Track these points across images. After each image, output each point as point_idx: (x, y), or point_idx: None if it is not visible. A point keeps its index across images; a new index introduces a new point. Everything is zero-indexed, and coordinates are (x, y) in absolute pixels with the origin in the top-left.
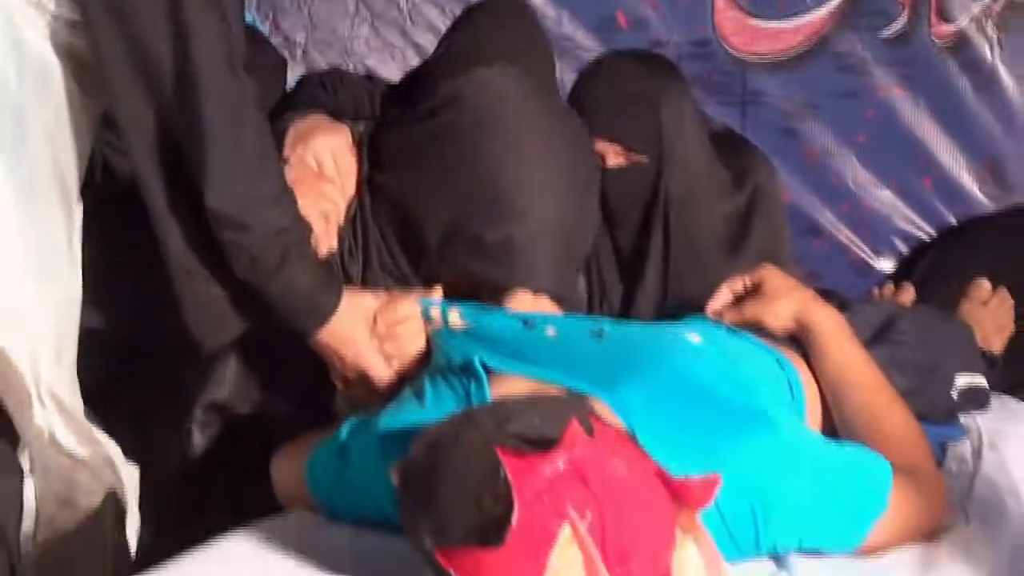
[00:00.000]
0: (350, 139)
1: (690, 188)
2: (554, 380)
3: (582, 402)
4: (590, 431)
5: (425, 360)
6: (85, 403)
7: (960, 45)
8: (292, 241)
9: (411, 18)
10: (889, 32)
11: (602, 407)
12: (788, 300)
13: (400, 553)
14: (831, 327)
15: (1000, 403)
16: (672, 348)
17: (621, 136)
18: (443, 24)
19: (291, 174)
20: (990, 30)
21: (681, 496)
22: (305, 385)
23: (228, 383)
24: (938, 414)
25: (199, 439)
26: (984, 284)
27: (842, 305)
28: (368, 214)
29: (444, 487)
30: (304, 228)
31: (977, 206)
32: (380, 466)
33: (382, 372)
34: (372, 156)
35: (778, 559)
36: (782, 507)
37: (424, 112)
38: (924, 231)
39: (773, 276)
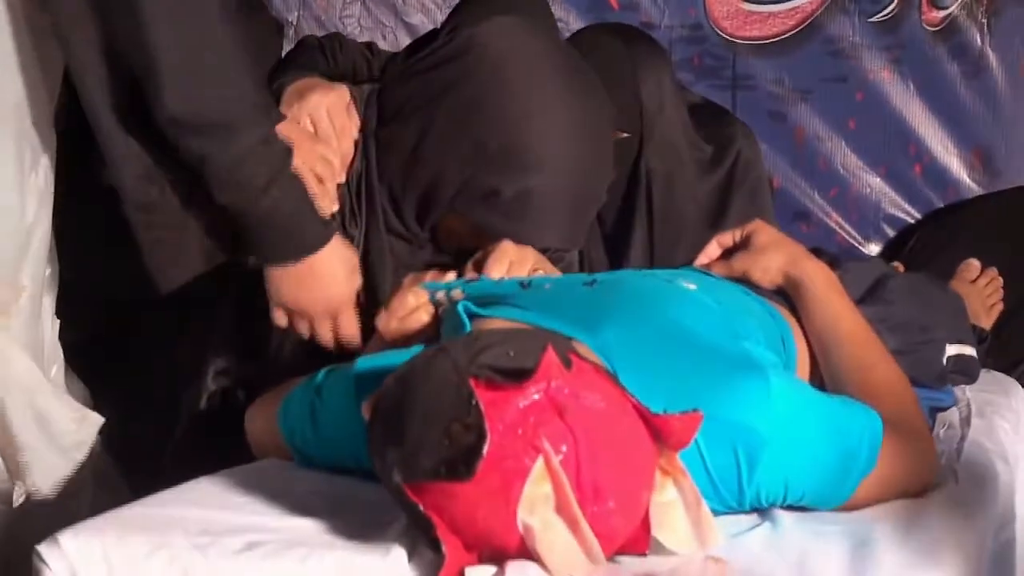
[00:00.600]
0: (348, 98)
1: (671, 163)
2: (536, 323)
3: (560, 337)
4: (568, 364)
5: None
6: (72, 357)
7: (950, 31)
8: (281, 158)
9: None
10: (880, 16)
11: (583, 348)
12: (777, 253)
13: (371, 501)
14: (820, 281)
15: (988, 376)
16: (663, 292)
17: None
18: (434, 5)
19: (283, 132)
20: (980, 16)
21: (662, 433)
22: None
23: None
24: (928, 377)
25: (204, 403)
26: (973, 263)
27: (832, 263)
28: (374, 174)
29: (414, 419)
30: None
31: (966, 192)
32: (353, 406)
33: (353, 327)
34: (380, 110)
35: (761, 513)
36: (768, 454)
37: (440, 59)
38: (913, 217)
39: (762, 230)
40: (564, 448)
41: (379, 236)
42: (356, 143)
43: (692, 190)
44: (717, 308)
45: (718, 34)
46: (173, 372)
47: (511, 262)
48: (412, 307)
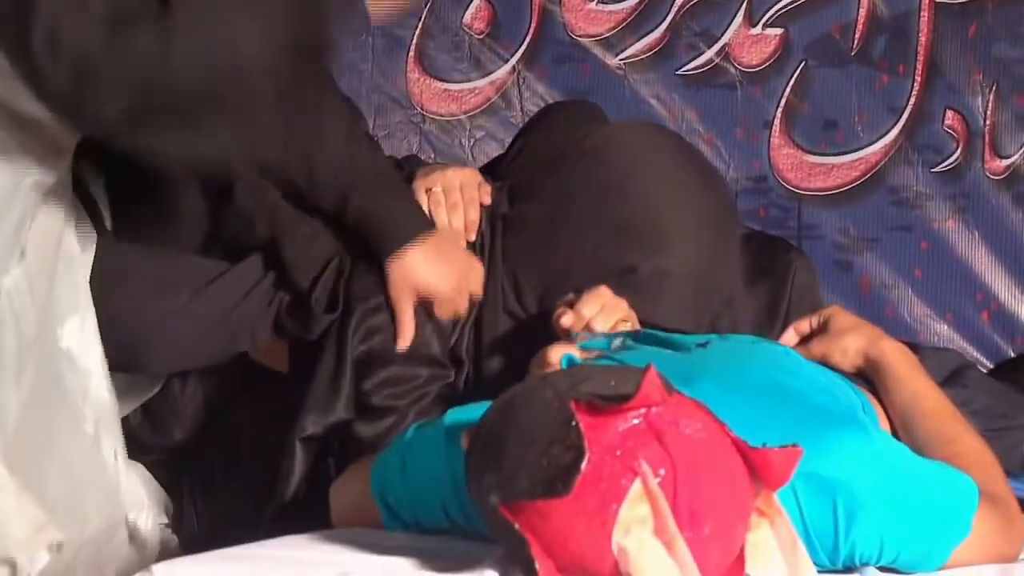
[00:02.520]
0: (479, 177)
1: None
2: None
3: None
4: (669, 391)
5: None
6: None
7: (1013, 179)
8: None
9: (472, 154)
10: (943, 167)
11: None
12: (857, 336)
13: (462, 550)
14: (901, 359)
15: None
16: (762, 349)
17: None
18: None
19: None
20: None
21: (759, 468)
22: None
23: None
24: (1011, 463)
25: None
26: None
27: (912, 348)
28: (498, 254)
29: (513, 441)
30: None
31: None
32: (442, 453)
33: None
34: (511, 195)
35: (853, 571)
36: (868, 510)
37: (576, 153)
38: (982, 365)
39: (839, 314)
40: (662, 471)
41: (495, 315)
42: (481, 218)
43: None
44: (810, 367)
45: (783, 185)
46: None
47: (603, 304)
48: (549, 364)
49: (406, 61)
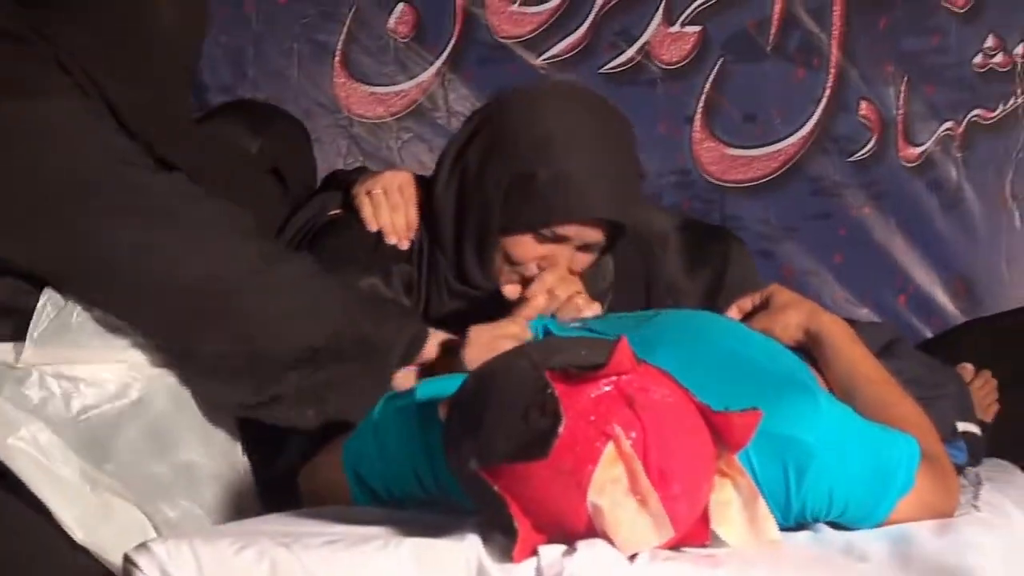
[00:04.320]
0: (414, 180)
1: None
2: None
3: None
4: (637, 360)
5: None
6: None
7: (927, 166)
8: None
9: (400, 156)
10: (858, 156)
11: None
12: (797, 311)
13: (436, 519)
14: (839, 331)
15: (990, 461)
16: (719, 322)
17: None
18: (430, 160)
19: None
20: (954, 151)
21: (721, 430)
22: None
23: None
24: (942, 430)
25: None
26: (967, 366)
27: (848, 322)
28: (436, 248)
29: (492, 408)
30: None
31: (951, 320)
32: (414, 422)
33: None
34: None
35: (805, 527)
36: (817, 463)
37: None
38: None
39: (780, 291)
40: (633, 434)
41: (441, 303)
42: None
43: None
44: (761, 338)
45: (705, 179)
46: None
47: (561, 277)
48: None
49: (332, 66)
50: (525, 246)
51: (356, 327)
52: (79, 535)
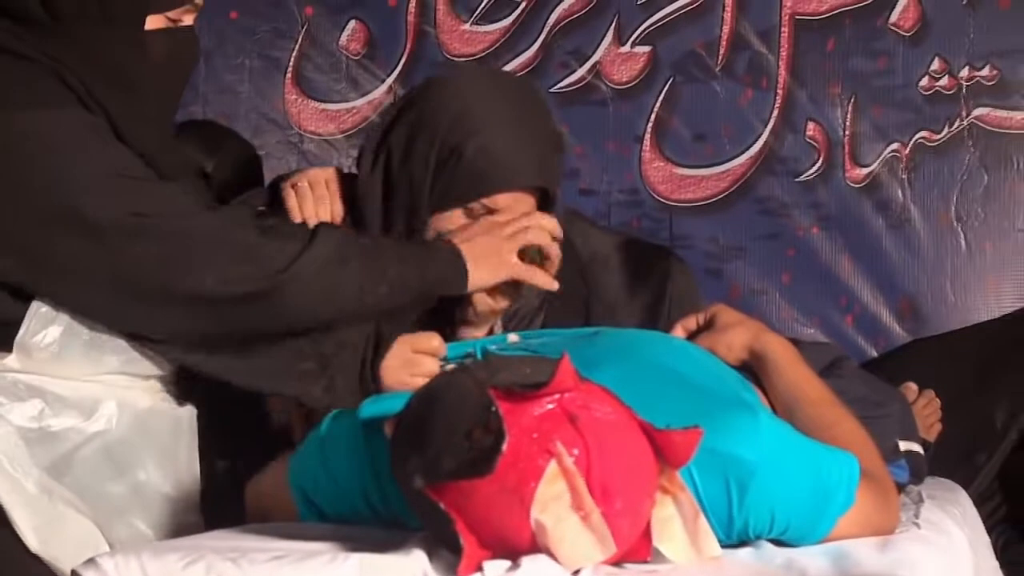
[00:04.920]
0: (337, 175)
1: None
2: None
3: None
4: (580, 378)
5: None
6: None
7: (873, 187)
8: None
9: None
10: (805, 176)
11: None
12: (740, 330)
13: (383, 536)
14: (783, 351)
15: (932, 480)
16: (660, 341)
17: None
18: None
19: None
20: (900, 172)
21: (663, 448)
22: None
23: None
24: (884, 449)
25: None
26: (911, 385)
27: (792, 342)
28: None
29: (436, 427)
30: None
31: (896, 340)
32: (360, 440)
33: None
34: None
35: (746, 544)
36: (758, 480)
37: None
38: None
39: (724, 311)
40: (576, 451)
41: None
42: (346, 211)
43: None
44: (702, 355)
45: (654, 198)
46: None
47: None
48: (433, 349)
49: (284, 83)
50: (455, 224)
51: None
52: (33, 544)
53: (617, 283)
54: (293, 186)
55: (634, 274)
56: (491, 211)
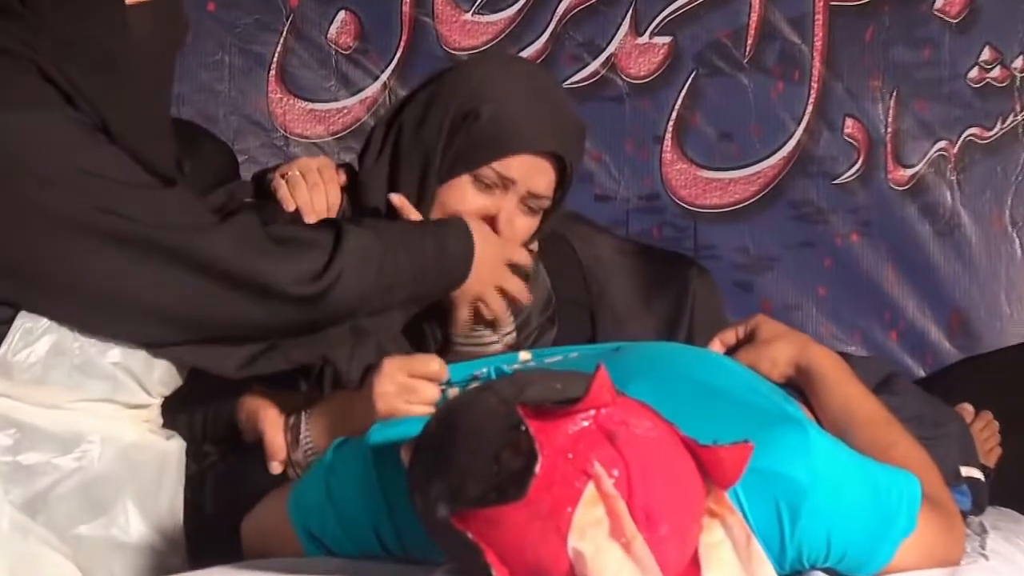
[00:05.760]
0: (333, 163)
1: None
2: None
3: None
4: (616, 392)
5: None
6: None
7: (919, 189)
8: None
9: None
10: (844, 179)
11: None
12: (786, 344)
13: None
14: (832, 366)
15: (994, 509)
16: (692, 352)
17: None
18: None
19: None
20: (949, 173)
21: (710, 466)
22: None
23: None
24: (945, 473)
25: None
26: (967, 407)
27: (840, 356)
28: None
29: (460, 450)
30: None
31: (946, 358)
32: (371, 474)
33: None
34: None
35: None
36: (812, 502)
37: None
38: None
39: (767, 322)
40: (616, 472)
41: None
42: (343, 200)
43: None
44: (742, 371)
45: (677, 203)
46: None
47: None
48: (433, 374)
49: (267, 80)
50: (465, 194)
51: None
52: None
53: (629, 291)
54: (283, 176)
55: (650, 282)
56: (505, 181)
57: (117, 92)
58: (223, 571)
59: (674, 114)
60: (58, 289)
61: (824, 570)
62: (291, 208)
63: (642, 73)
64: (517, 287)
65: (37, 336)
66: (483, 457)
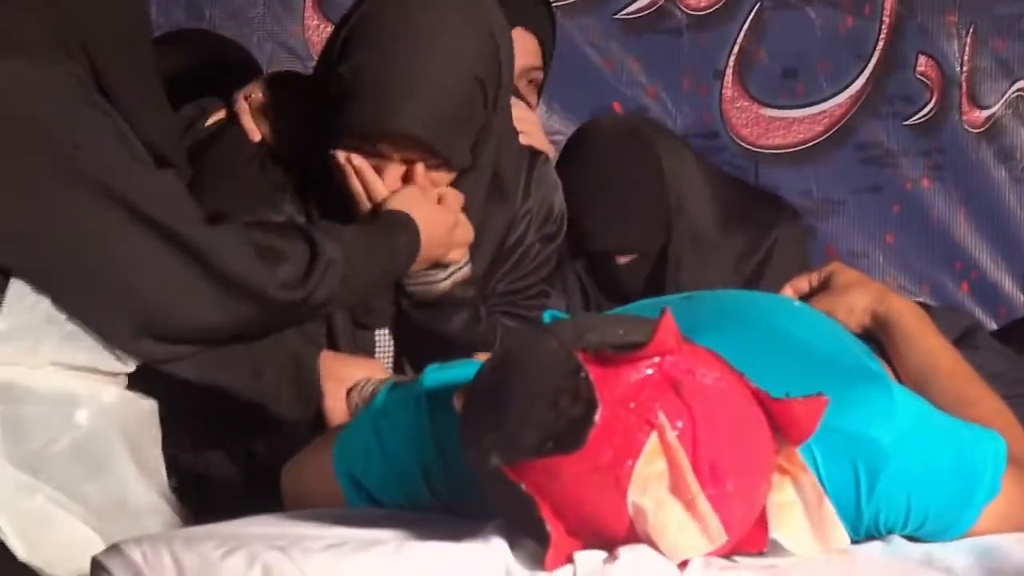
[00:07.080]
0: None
1: (702, 252)
2: None
3: None
4: (683, 339)
5: None
6: None
7: (995, 132)
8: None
9: None
10: (916, 119)
11: None
12: (863, 292)
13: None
14: (912, 316)
15: None
16: (770, 301)
17: (632, 247)
18: None
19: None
20: None
21: (781, 420)
22: None
23: None
24: None
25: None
26: None
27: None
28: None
29: (515, 397)
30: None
31: (1020, 311)
32: (424, 416)
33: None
34: None
35: (874, 539)
36: (893, 465)
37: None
38: None
39: (843, 270)
40: (680, 424)
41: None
42: None
43: (724, 278)
44: (823, 321)
45: (737, 143)
46: None
47: None
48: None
49: (304, 5)
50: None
51: None
52: (22, 553)
53: (710, 216)
54: (247, 98)
55: (733, 214)
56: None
57: (125, 62)
58: (267, 519)
59: (736, 48)
60: (46, 247)
61: (900, 536)
62: (257, 139)
63: (702, 4)
64: (465, 238)
65: (30, 305)
66: (540, 404)
